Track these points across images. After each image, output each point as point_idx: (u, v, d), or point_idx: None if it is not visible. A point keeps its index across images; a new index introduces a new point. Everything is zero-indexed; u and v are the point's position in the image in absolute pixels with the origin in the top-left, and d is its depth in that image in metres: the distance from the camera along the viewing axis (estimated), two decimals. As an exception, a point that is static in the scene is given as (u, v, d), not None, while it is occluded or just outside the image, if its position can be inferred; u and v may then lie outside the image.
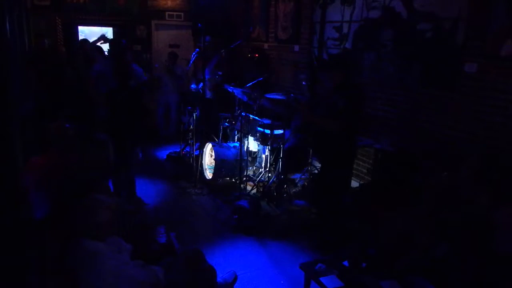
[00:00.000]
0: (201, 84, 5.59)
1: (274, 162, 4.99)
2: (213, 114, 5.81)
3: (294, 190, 5.03)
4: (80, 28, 7.44)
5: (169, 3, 7.99)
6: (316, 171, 5.08)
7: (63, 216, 2.57)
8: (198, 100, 5.67)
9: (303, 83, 5.27)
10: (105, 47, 5.47)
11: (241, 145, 4.84)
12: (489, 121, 3.60)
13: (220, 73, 5.92)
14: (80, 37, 7.44)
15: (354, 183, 5.00)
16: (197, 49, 5.76)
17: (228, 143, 5.41)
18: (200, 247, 3.04)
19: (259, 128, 4.92)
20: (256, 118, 4.97)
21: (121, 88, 4.06)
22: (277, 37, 6.76)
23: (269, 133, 4.73)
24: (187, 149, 5.99)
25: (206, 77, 5.60)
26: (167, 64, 6.80)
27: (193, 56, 5.84)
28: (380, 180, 4.50)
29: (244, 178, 5.01)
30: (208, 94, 6.05)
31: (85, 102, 4.62)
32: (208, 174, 5.26)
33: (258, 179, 5.11)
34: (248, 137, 5.18)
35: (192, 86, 6.09)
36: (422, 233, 2.88)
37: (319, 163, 4.34)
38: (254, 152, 5.60)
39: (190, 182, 5.28)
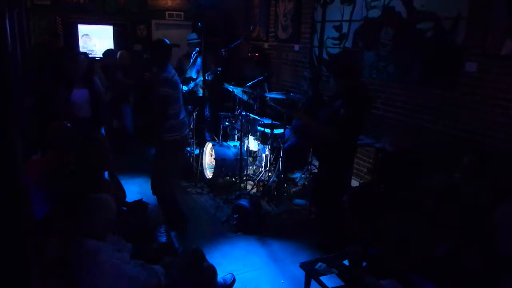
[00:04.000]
0: (192, 84, 5.59)
1: (274, 162, 4.99)
2: (212, 112, 5.82)
3: (294, 189, 5.03)
4: (80, 27, 7.43)
5: (169, 3, 7.99)
6: (316, 171, 5.08)
7: (64, 215, 2.58)
8: (195, 100, 5.67)
9: (305, 81, 5.26)
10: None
11: (241, 145, 4.85)
12: (489, 120, 3.60)
13: (219, 69, 5.92)
14: (80, 35, 7.43)
15: (354, 183, 5.00)
16: (197, 49, 5.76)
17: (228, 143, 5.41)
18: (200, 246, 3.05)
19: (259, 128, 4.92)
20: (256, 117, 4.97)
21: None
22: (277, 36, 6.76)
23: (269, 133, 4.74)
24: (187, 148, 5.99)
25: (199, 78, 5.59)
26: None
27: (193, 56, 5.84)
28: (380, 179, 4.50)
29: (244, 178, 5.01)
30: (200, 93, 6.01)
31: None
32: (208, 174, 5.26)
33: (258, 178, 5.11)
34: (248, 137, 5.18)
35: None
36: (422, 233, 2.89)
37: (318, 161, 4.32)
38: (254, 152, 5.60)
39: (190, 181, 5.29)
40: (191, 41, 6.07)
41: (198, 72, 5.86)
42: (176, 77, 3.68)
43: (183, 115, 3.79)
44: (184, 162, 4.12)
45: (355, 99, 3.32)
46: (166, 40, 3.75)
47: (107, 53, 6.18)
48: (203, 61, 5.23)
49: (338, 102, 3.38)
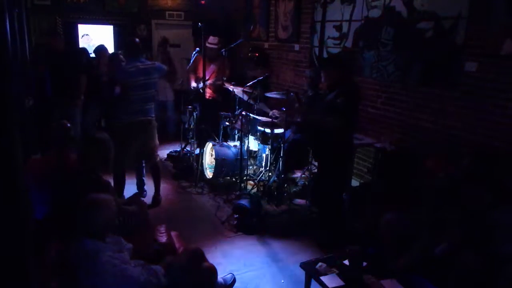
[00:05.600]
0: (202, 84, 5.57)
1: (275, 161, 4.99)
2: (215, 113, 5.81)
3: (294, 189, 5.03)
4: (80, 27, 7.43)
5: (170, 3, 7.99)
6: (316, 170, 5.08)
7: (64, 215, 2.58)
8: (198, 99, 5.66)
9: (307, 80, 5.26)
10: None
11: (242, 144, 4.85)
12: (489, 120, 3.60)
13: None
14: (80, 35, 7.43)
15: (355, 182, 5.00)
16: (197, 48, 5.75)
17: (228, 142, 5.41)
18: (200, 246, 3.04)
19: (259, 128, 4.92)
20: (257, 117, 4.97)
21: None
22: (277, 36, 6.76)
23: (269, 133, 4.74)
24: (188, 148, 5.99)
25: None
26: (160, 53, 6.67)
27: (193, 56, 5.83)
28: (380, 179, 4.50)
29: (245, 177, 5.01)
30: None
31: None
32: (209, 173, 5.26)
33: (258, 178, 5.11)
34: (248, 136, 5.18)
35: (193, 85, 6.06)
36: (422, 232, 2.89)
37: (316, 161, 4.34)
38: (255, 151, 5.60)
39: (190, 181, 5.29)
40: (210, 46, 5.87)
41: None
42: (137, 68, 4.14)
43: (137, 104, 4.16)
44: (134, 150, 4.24)
45: (347, 88, 3.51)
46: (137, 39, 4.54)
47: (99, 49, 6.13)
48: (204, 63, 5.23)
49: (331, 95, 3.49)
